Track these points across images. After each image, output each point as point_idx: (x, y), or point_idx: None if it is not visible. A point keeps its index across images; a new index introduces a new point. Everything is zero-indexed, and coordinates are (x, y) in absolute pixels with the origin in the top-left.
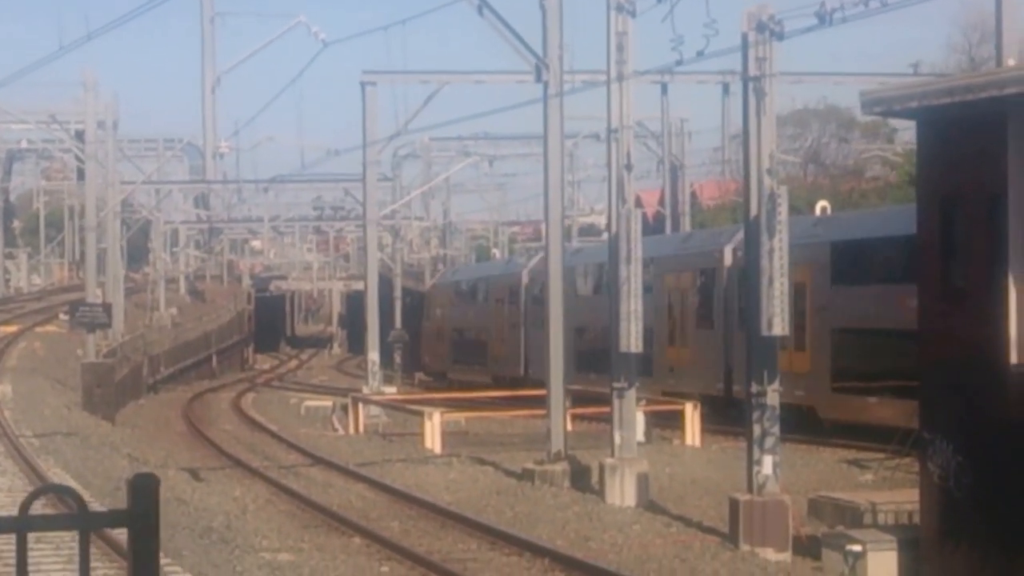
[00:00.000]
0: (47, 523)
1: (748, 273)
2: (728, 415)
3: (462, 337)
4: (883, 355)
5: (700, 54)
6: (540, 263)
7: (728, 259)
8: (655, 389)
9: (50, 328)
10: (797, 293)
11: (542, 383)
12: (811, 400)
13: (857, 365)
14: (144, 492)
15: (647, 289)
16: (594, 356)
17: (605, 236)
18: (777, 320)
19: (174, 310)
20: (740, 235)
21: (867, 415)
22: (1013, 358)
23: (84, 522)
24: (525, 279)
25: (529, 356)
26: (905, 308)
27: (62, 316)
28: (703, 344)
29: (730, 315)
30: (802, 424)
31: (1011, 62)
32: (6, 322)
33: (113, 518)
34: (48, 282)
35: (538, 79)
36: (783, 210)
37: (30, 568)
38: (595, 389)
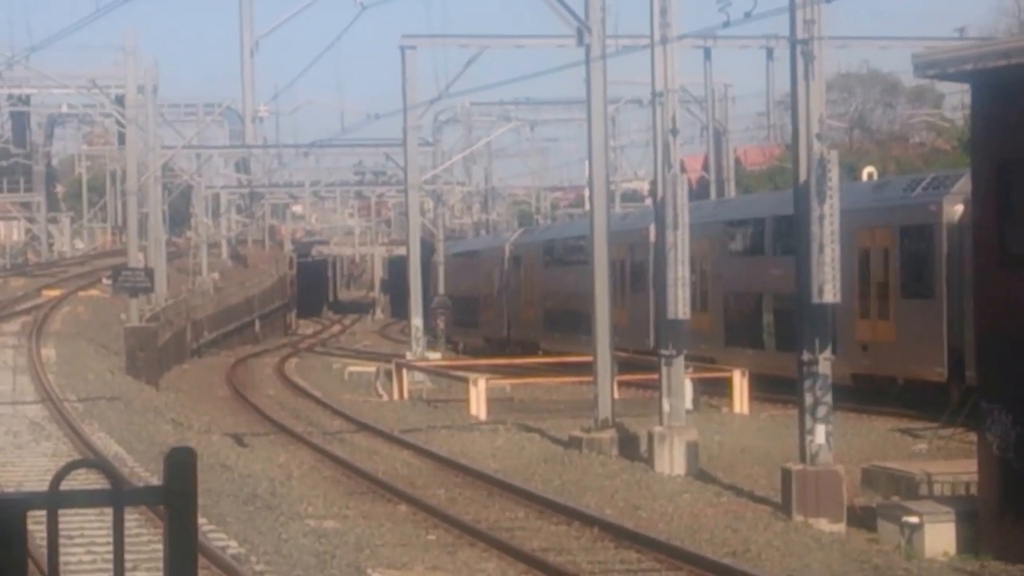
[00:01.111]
0: (79, 499)
1: (798, 240)
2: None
3: (461, 303)
4: (757, 314)
5: (747, 15)
6: (521, 236)
7: (652, 236)
8: None
9: (93, 292)
10: (702, 263)
11: (523, 343)
12: (712, 353)
13: (740, 323)
14: (181, 467)
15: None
16: (566, 319)
17: (648, 202)
18: (828, 287)
19: (216, 275)
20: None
21: (750, 365)
22: None
23: (118, 498)
24: (507, 252)
25: (511, 320)
26: (768, 276)
27: (105, 280)
28: (636, 306)
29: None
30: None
31: None
32: (50, 286)
33: (149, 494)
34: (91, 246)
35: (580, 43)
36: (834, 175)
37: (73, 533)
38: (566, 349)
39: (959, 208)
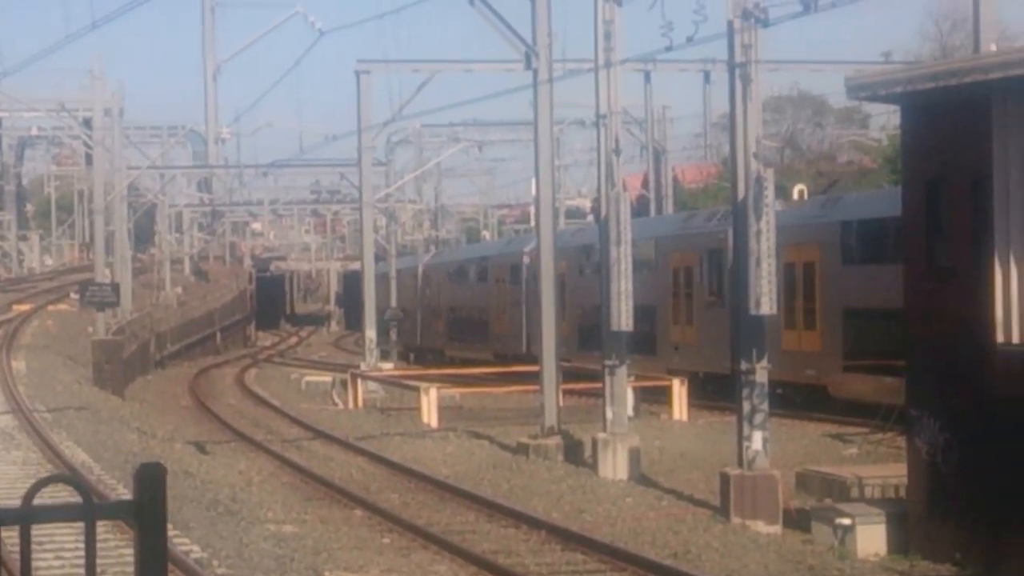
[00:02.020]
0: (51, 514)
1: (736, 254)
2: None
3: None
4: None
5: (689, 39)
6: (432, 258)
7: (524, 259)
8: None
9: (62, 307)
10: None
11: (432, 351)
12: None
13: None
14: (151, 482)
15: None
16: (465, 329)
17: (590, 218)
18: (765, 299)
19: (179, 289)
20: (534, 244)
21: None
22: (999, 336)
23: (90, 513)
24: (421, 271)
25: (423, 331)
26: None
27: (73, 295)
28: (513, 317)
29: (529, 297)
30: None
31: (993, 47)
32: (20, 301)
33: (119, 509)
34: (59, 263)
35: (527, 66)
36: (770, 193)
37: (43, 539)
38: (464, 355)
39: None
